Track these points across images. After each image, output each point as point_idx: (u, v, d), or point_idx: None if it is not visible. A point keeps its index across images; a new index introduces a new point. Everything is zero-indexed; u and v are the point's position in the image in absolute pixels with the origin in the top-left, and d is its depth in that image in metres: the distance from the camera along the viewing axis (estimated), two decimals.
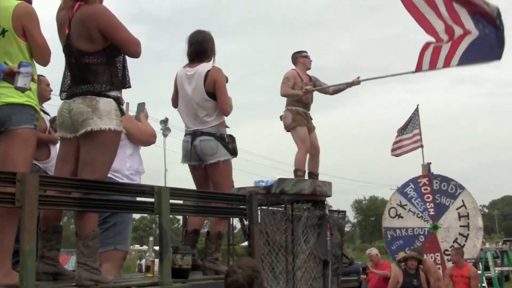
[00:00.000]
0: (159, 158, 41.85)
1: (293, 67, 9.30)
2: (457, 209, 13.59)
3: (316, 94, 9.32)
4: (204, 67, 5.67)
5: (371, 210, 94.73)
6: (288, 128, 8.96)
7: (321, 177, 9.26)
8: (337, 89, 9.31)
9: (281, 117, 9.12)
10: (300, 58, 9.30)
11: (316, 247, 8.61)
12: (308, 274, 8.86)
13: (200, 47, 5.76)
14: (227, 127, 9.01)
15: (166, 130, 38.30)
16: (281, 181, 7.58)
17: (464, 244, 13.32)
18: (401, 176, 14.57)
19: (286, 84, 9.03)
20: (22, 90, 4.00)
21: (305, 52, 9.39)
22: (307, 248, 8.81)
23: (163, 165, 39.18)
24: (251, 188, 7.79)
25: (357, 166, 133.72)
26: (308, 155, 9.10)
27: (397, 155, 16.27)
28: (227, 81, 5.79)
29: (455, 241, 13.39)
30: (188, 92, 5.72)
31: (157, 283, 4.24)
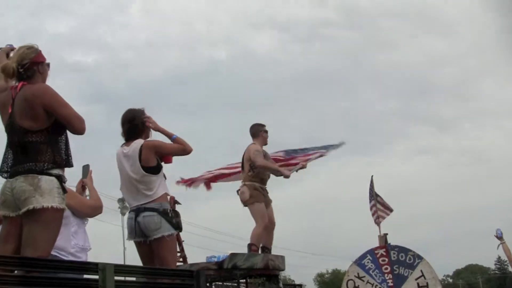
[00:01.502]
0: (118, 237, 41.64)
1: (251, 139, 9.35)
2: (416, 279, 13.59)
3: None
4: (138, 143, 5.85)
5: (334, 284, 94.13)
6: (245, 203, 8.99)
7: (280, 251, 9.27)
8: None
9: (237, 191, 9.16)
10: (262, 132, 9.33)
11: None
12: None
13: (131, 125, 5.95)
14: (178, 203, 9.09)
15: (124, 209, 38.13)
16: (233, 256, 7.61)
17: None
18: (361, 248, 14.57)
19: (261, 155, 9.06)
20: None
21: (264, 126, 9.44)
22: None
23: (122, 244, 39.00)
24: (204, 263, 7.80)
25: (317, 239, 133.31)
26: None
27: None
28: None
29: None
30: (127, 170, 5.85)
31: None
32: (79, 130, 4.42)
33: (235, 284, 8.72)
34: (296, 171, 9.43)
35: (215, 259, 7.72)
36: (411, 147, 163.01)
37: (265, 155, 9.24)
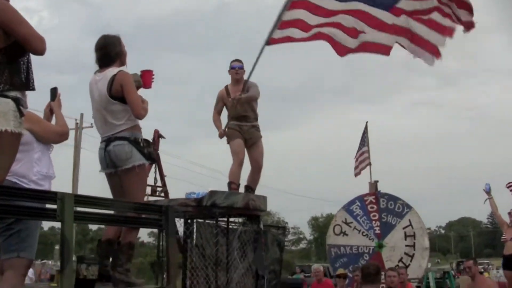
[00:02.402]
0: None
1: None
2: (403, 228, 13.54)
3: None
4: (111, 71, 5.52)
5: (327, 227, 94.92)
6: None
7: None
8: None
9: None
10: (229, 70, 9.04)
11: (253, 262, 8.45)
12: None
13: (103, 52, 5.63)
14: (162, 137, 8.82)
15: None
16: (212, 193, 7.39)
17: (409, 264, 13.27)
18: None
19: (215, 109, 9.09)
20: None
21: (234, 61, 9.09)
22: (245, 263, 8.64)
23: None
24: (182, 199, 7.61)
25: (314, 184, 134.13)
26: (251, 168, 8.95)
27: (356, 175, 16.15)
28: (139, 85, 5.61)
29: (400, 260, 13.32)
30: (96, 97, 5.57)
31: None
32: (38, 50, 4.14)
33: (220, 224, 8.57)
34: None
35: (194, 196, 7.51)
36: (413, 98, 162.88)
37: (245, 85, 8.77)
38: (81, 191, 29.42)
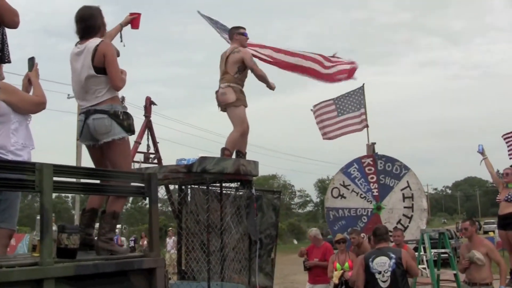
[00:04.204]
0: None
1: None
2: (401, 190, 13.56)
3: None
4: (93, 42, 5.47)
5: None
6: (228, 105, 8.80)
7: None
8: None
9: (216, 92, 8.93)
10: (236, 35, 9.12)
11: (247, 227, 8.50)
12: (242, 254, 8.76)
13: (86, 24, 5.57)
14: (154, 103, 8.80)
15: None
16: (202, 159, 7.42)
17: (407, 226, 13.32)
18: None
19: (256, 64, 9.09)
20: None
21: (243, 28, 9.22)
22: (240, 228, 8.70)
23: None
24: (173, 166, 7.64)
25: (321, 147, 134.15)
26: None
27: (332, 137, 15.84)
28: (118, 55, 5.60)
29: (399, 222, 13.37)
30: (77, 68, 5.52)
31: (36, 263, 4.05)
32: (12, 23, 4.14)
33: (213, 188, 8.60)
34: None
35: (185, 162, 7.53)
36: (419, 58, 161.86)
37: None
38: (85, 158, 29.61)
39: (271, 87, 9.05)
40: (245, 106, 8.79)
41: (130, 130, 5.49)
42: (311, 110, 15.77)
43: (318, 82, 12.16)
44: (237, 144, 8.64)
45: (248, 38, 9.26)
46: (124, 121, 5.40)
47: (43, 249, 4.06)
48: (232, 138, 8.63)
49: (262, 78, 8.88)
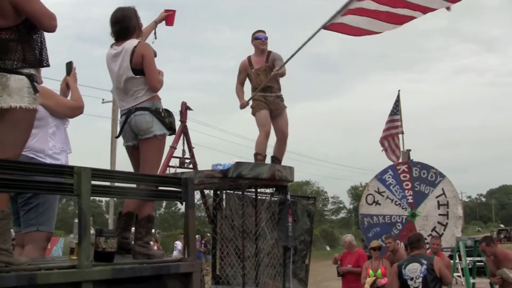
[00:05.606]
0: None
1: None
2: (436, 197, 13.45)
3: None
4: (130, 43, 5.46)
5: None
6: (252, 114, 8.97)
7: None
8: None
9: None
10: (252, 40, 9.06)
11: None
12: (276, 260, 8.73)
13: (121, 25, 5.55)
14: (190, 109, 8.82)
15: None
16: (238, 164, 7.42)
17: (442, 233, 13.20)
18: None
19: (238, 79, 9.19)
20: None
21: (258, 32, 9.08)
22: (275, 234, 8.67)
23: None
24: (208, 171, 7.65)
25: (355, 153, 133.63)
26: (276, 139, 8.98)
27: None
28: (155, 56, 5.61)
29: (434, 229, 13.27)
30: (115, 70, 5.51)
31: (74, 266, 4.08)
32: (49, 27, 4.16)
33: (248, 194, 8.59)
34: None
35: (221, 167, 7.54)
36: (454, 65, 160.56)
37: (269, 57, 8.99)
38: (119, 162, 29.87)
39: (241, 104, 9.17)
40: (259, 111, 8.83)
41: (171, 128, 5.46)
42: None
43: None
44: (263, 146, 8.69)
45: (263, 40, 9.00)
46: (166, 118, 5.38)
47: (81, 252, 4.09)
48: (257, 141, 8.80)
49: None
